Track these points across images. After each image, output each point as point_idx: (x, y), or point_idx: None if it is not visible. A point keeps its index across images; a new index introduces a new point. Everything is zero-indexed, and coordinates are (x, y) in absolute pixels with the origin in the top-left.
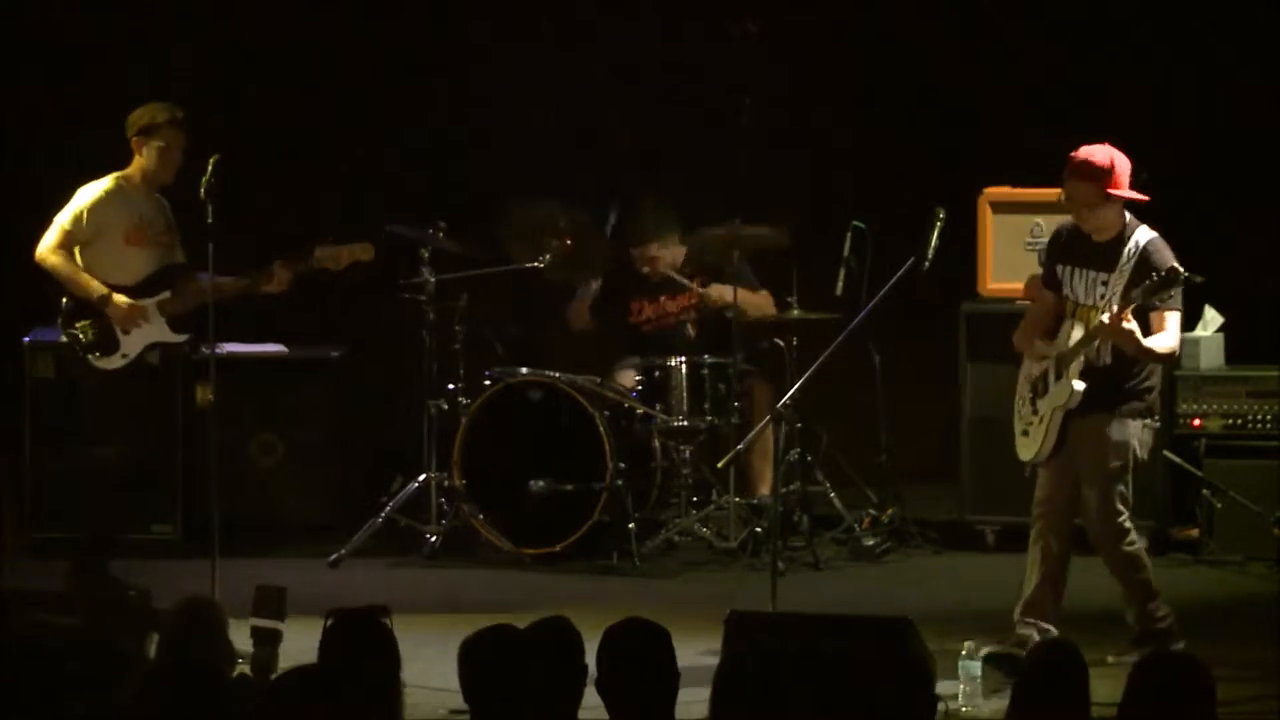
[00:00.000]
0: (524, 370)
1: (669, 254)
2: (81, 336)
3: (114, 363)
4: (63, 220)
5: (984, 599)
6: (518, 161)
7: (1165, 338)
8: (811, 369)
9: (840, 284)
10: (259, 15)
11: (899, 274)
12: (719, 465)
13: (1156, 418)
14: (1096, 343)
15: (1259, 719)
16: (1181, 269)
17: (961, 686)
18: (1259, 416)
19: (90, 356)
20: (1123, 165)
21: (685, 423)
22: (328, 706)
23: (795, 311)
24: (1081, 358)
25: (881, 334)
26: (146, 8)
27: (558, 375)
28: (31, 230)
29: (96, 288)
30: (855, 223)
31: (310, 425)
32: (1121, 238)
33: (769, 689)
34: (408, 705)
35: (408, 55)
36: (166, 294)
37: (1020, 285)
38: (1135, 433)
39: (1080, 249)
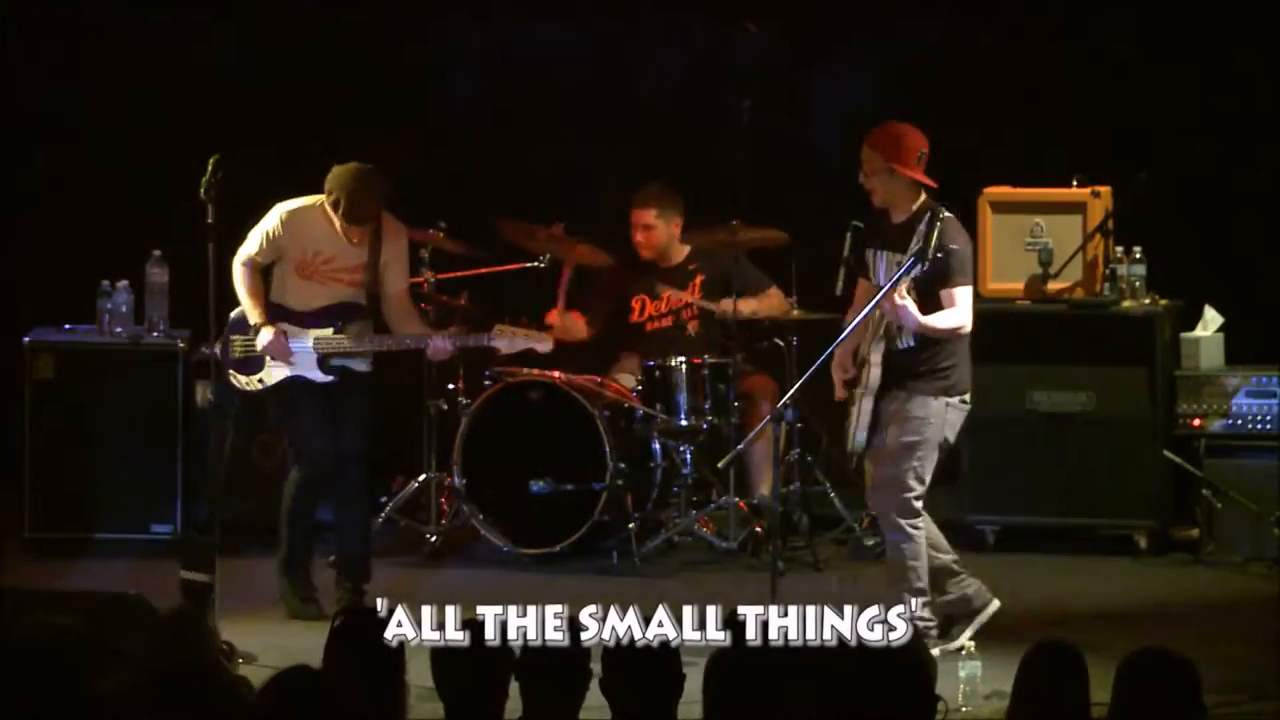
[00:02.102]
0: (524, 370)
1: (665, 230)
2: (233, 351)
3: (250, 385)
4: (252, 234)
5: None
6: (516, 163)
7: (950, 314)
8: (811, 369)
9: (840, 284)
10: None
11: (899, 274)
12: (719, 465)
13: (965, 398)
14: (885, 323)
15: (1259, 719)
16: (954, 246)
17: (961, 686)
18: (1259, 416)
19: (230, 371)
20: (913, 144)
21: (685, 423)
22: (327, 707)
23: (795, 311)
24: (881, 342)
25: None
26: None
27: (558, 375)
28: (32, 230)
29: (256, 313)
30: (855, 223)
31: None
32: (915, 219)
33: (767, 688)
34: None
35: (409, 53)
36: (329, 331)
37: (1020, 285)
38: (937, 411)
39: (883, 232)
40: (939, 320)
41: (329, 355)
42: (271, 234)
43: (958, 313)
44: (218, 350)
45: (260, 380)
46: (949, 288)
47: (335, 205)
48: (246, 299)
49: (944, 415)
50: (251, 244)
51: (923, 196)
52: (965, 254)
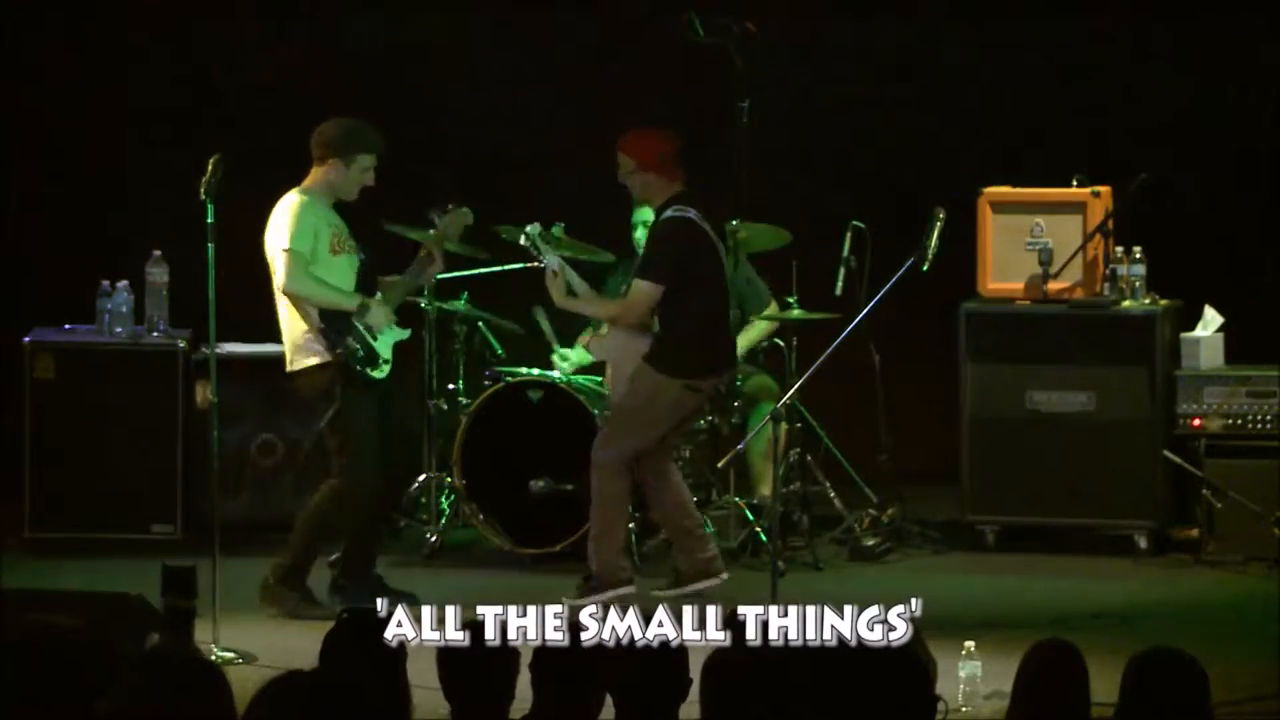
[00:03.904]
0: (524, 370)
1: None
2: (359, 350)
3: (383, 371)
4: (290, 246)
5: (984, 599)
6: (514, 162)
7: (607, 302)
8: (811, 369)
9: (840, 284)
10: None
11: (899, 274)
12: (719, 465)
13: (690, 383)
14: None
15: (1259, 719)
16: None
17: (961, 686)
18: (1259, 416)
19: (367, 370)
20: (655, 146)
21: None
22: (322, 711)
23: (795, 311)
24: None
25: (881, 334)
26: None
27: (558, 375)
28: (32, 230)
29: (349, 297)
30: (855, 223)
31: (310, 425)
32: (660, 215)
33: (765, 688)
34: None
35: (410, 51)
36: (377, 296)
37: (1020, 285)
38: (657, 385)
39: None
40: (590, 305)
41: (393, 312)
42: (311, 224)
43: (613, 304)
44: (356, 348)
45: (386, 361)
46: (635, 278)
47: (369, 160)
48: (331, 295)
49: (664, 392)
50: (298, 248)
51: (673, 193)
52: (657, 252)
